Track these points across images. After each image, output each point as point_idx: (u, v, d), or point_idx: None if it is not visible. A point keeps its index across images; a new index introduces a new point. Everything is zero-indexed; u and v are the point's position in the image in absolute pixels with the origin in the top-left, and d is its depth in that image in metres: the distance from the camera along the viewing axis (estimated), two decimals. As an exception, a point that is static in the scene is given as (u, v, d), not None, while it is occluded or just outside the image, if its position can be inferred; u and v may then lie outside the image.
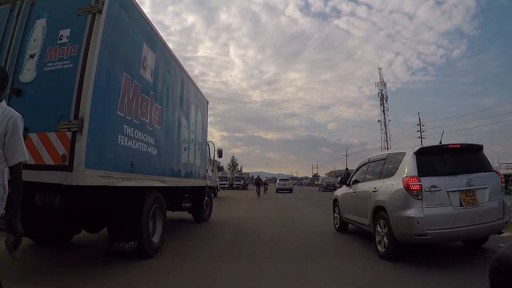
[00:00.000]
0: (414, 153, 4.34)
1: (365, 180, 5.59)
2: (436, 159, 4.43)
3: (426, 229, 3.87)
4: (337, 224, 6.92)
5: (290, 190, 31.61)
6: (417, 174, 4.12)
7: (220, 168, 49.72)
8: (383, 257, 4.45)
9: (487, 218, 4.05)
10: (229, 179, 42.19)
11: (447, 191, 4.00)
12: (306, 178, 79.81)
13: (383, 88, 66.90)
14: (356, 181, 5.95)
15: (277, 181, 34.83)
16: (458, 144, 4.57)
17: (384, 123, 65.01)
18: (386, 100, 66.47)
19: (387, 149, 58.45)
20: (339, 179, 12.55)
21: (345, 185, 6.55)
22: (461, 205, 4.00)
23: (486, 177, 4.21)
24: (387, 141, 64.87)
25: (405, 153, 4.58)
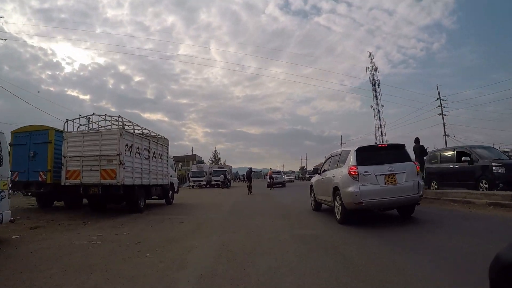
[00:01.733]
0: (355, 150, 6.58)
1: (329, 169, 7.75)
2: (369, 154, 6.70)
3: (362, 199, 6.13)
4: (313, 205, 9.11)
5: (283, 185, 30.13)
6: (356, 164, 6.32)
7: (199, 163, 42.96)
8: (339, 222, 6.69)
9: (404, 193, 6.26)
10: (206, 174, 34.58)
11: (375, 175, 6.24)
12: (292, 172, 77.91)
13: (374, 72, 61.90)
14: (324, 170, 8.10)
15: (267, 175, 31.99)
16: (385, 144, 6.79)
17: (377, 108, 60.47)
18: (378, 85, 60.32)
19: (382, 136, 57.92)
20: (312, 169, 15.66)
21: (317, 174, 8.71)
22: (385, 184, 6.17)
23: (404, 166, 6.43)
24: (381, 127, 60.89)
25: (350, 150, 6.78)
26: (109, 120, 10.40)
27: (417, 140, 11.76)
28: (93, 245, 5.24)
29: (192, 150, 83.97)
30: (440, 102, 39.25)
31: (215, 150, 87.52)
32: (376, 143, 7.35)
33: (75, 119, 10.29)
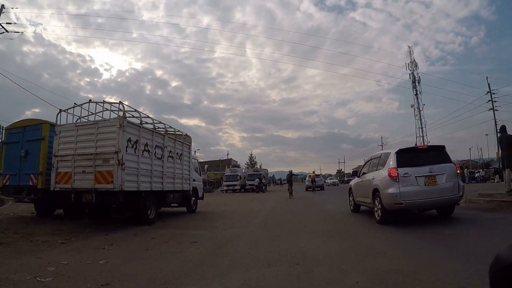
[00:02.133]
0: (395, 152, 6.89)
1: (368, 171, 8.09)
2: (409, 156, 6.92)
3: (402, 200, 6.38)
4: (351, 206, 9.48)
5: (321, 188, 30.60)
6: (396, 166, 6.63)
7: (234, 167, 41.80)
8: (379, 222, 7.01)
9: (444, 193, 6.47)
10: (240, 178, 33.11)
11: (415, 176, 6.47)
12: (330, 175, 76.05)
13: (414, 69, 58.29)
14: (363, 173, 8.45)
15: (306, 178, 33.18)
16: (425, 145, 7.05)
17: (418, 107, 55.95)
18: (418, 83, 57.24)
19: (422, 137, 55.12)
20: (351, 172, 15.81)
21: (356, 177, 9.06)
22: (425, 185, 6.43)
23: (444, 167, 6.61)
24: (422, 128, 57.05)
25: (390, 152, 7.10)
26: (110, 110, 8.41)
27: (503, 129, 9.31)
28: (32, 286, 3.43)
29: (228, 154, 79.68)
30: (491, 96, 35.23)
31: (251, 154, 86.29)
32: (416, 144, 7.56)
33: (69, 108, 8.36)
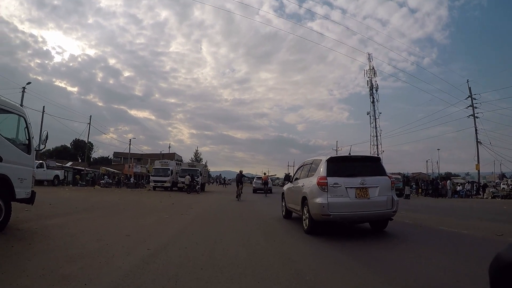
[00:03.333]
0: (326, 160, 6.18)
1: (300, 177, 7.34)
2: (341, 165, 6.29)
3: (329, 211, 5.70)
4: (283, 212, 8.71)
5: (270, 190, 27.89)
6: (325, 175, 5.90)
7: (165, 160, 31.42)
8: (306, 232, 6.39)
9: (376, 208, 5.90)
10: (172, 173, 27.48)
11: (346, 187, 5.80)
12: (277, 178, 71.79)
13: (372, 76, 56.99)
14: (296, 179, 7.68)
15: (255, 180, 31.56)
16: (359, 155, 6.44)
17: (374, 115, 55.06)
18: (376, 90, 55.88)
19: (377, 145, 56.49)
20: (283, 177, 16.04)
21: (289, 182, 8.28)
22: (356, 197, 5.76)
23: (377, 180, 6.02)
24: (376, 136, 57.67)
25: (321, 160, 6.37)
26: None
27: None
28: None
29: (169, 147, 66.90)
30: (472, 101, 30.93)
31: (197, 150, 78.40)
32: (350, 154, 6.86)
33: None
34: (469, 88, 32.18)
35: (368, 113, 57.18)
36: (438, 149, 61.02)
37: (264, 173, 30.60)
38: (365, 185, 5.88)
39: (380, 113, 57.01)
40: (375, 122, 57.92)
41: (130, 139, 51.09)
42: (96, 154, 68.68)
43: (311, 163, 7.07)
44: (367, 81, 58.48)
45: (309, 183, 6.45)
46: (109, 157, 71.01)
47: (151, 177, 29.30)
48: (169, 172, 27.55)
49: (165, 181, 27.29)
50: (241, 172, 19.78)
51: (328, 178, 5.92)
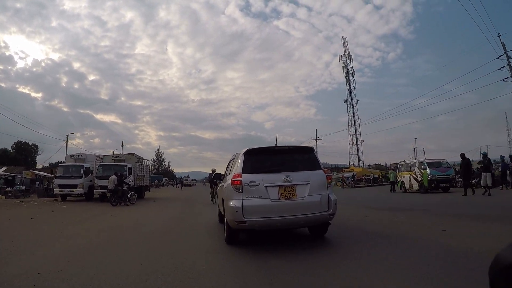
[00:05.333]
0: (243, 153, 5.00)
1: (227, 175, 6.14)
2: (262, 159, 5.14)
3: (245, 217, 4.54)
4: (219, 216, 7.50)
5: None
6: (241, 172, 4.77)
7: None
8: (226, 241, 5.25)
9: (307, 210, 4.73)
10: (87, 173, 18.07)
11: (266, 186, 4.64)
12: None
13: (348, 62, 54.63)
14: (226, 176, 6.50)
15: None
16: (286, 146, 5.26)
17: (351, 103, 54.04)
18: (352, 76, 54.05)
19: (356, 135, 54.99)
20: (213, 175, 13.26)
21: (221, 180, 7.10)
22: (279, 198, 4.60)
23: (308, 175, 4.84)
24: (355, 125, 53.79)
25: (240, 153, 5.17)
26: None
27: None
28: None
29: (122, 145, 55.41)
30: (507, 57, 20.54)
31: (159, 150, 71.61)
32: (276, 144, 6.04)
33: None
34: (503, 44, 21.08)
35: (345, 101, 55.44)
36: (415, 138, 60.81)
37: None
38: (291, 183, 4.72)
39: (358, 100, 55.70)
40: (353, 110, 56.14)
41: (67, 135, 41.19)
42: (45, 157, 63.16)
43: (234, 158, 5.90)
44: (343, 66, 56.37)
45: (226, 182, 5.38)
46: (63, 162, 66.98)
47: (55, 179, 19.02)
48: (82, 171, 17.59)
49: (75, 186, 17.29)
50: (213, 171, 15.13)
51: (243, 175, 4.75)
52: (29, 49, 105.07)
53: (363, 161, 55.32)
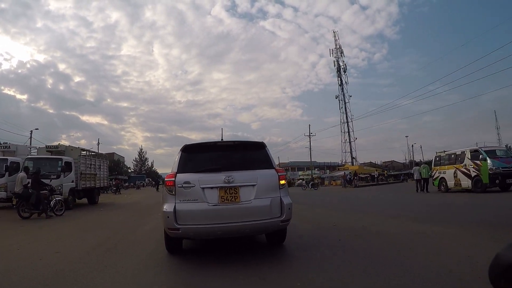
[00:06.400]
0: (180, 149, 4.41)
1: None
2: (202, 156, 4.50)
3: (178, 224, 3.96)
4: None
5: None
6: (176, 171, 4.22)
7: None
8: (167, 249, 4.67)
9: (252, 217, 4.09)
10: (16, 168, 13.09)
11: (202, 188, 4.03)
12: None
13: (339, 56, 52.59)
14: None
15: None
16: (232, 141, 4.66)
17: (343, 99, 52.17)
18: (344, 71, 52.03)
19: (349, 133, 53.43)
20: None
21: None
22: (219, 202, 4.01)
23: (254, 175, 4.24)
24: (347, 122, 52.06)
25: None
26: None
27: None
28: None
29: (98, 144, 50.09)
30: None
31: (141, 149, 70.51)
32: (222, 139, 5.16)
33: None
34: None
35: (336, 97, 53.79)
36: (407, 136, 59.51)
37: None
38: (233, 184, 4.09)
39: (351, 96, 53.77)
40: (345, 106, 54.22)
41: (31, 131, 37.56)
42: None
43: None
44: (334, 61, 54.69)
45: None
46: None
47: None
48: (5, 167, 12.86)
49: None
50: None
51: (178, 175, 4.16)
52: (14, 50, 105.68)
53: (356, 159, 54.06)
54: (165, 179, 4.23)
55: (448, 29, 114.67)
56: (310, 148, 46.31)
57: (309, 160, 49.57)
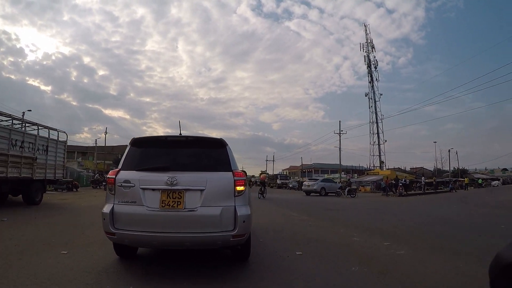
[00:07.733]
0: (129, 143, 4.03)
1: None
2: (150, 152, 4.10)
3: (113, 228, 3.61)
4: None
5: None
6: (120, 168, 3.83)
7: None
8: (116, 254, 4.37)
9: (197, 228, 3.59)
10: None
11: (142, 188, 3.65)
12: (253, 177, 66.81)
13: (370, 51, 48.54)
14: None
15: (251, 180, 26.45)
16: (185, 136, 4.19)
17: (373, 98, 48.43)
18: (375, 68, 48.07)
19: (378, 134, 49.43)
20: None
21: None
22: (160, 207, 3.59)
23: (204, 177, 3.73)
24: (377, 123, 48.37)
25: None
26: None
27: None
28: None
29: (106, 133, 51.86)
30: None
31: None
32: (180, 133, 4.38)
33: None
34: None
35: (366, 95, 49.66)
36: (435, 142, 54.36)
37: (262, 172, 27.37)
38: (178, 187, 3.59)
39: (381, 94, 49.38)
40: (375, 105, 50.09)
41: (23, 112, 34.04)
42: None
43: None
44: (364, 56, 50.81)
45: None
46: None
47: None
48: None
49: None
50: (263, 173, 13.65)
51: (120, 172, 3.79)
52: (40, 42, 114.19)
53: (385, 163, 49.81)
54: (107, 176, 3.90)
55: (474, 35, 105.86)
56: (340, 148, 43.28)
57: (335, 163, 46.76)
